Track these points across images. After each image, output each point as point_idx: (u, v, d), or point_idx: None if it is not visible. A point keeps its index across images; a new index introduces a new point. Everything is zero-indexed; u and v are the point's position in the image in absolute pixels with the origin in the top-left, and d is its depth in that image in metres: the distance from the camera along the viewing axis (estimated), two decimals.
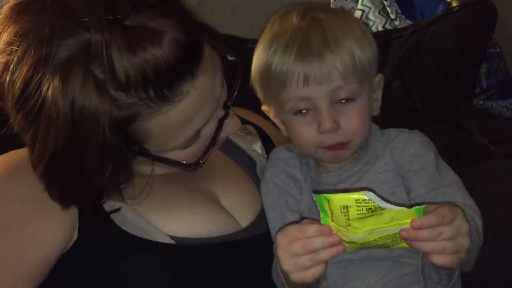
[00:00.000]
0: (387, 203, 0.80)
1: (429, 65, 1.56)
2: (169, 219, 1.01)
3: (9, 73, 0.88)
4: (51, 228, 0.96)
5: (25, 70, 0.87)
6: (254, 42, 1.06)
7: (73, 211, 0.98)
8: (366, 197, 0.79)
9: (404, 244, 0.85)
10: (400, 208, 0.81)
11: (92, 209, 0.98)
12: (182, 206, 1.04)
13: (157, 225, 1.00)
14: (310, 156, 1.08)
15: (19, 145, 1.00)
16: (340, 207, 0.81)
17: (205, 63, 0.93)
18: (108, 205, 1.00)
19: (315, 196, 0.83)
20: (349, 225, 0.82)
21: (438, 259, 0.83)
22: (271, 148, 1.19)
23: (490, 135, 1.38)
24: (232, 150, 1.20)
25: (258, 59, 1.03)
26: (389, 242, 0.84)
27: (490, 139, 1.37)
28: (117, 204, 1.00)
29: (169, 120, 0.92)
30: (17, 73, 0.87)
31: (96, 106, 0.86)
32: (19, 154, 1.02)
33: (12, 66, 0.88)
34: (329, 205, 0.82)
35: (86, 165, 0.91)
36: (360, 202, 0.80)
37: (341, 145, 1.01)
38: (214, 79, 0.96)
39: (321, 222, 0.85)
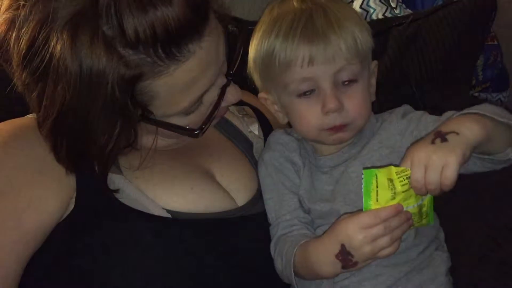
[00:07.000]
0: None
1: (428, 54, 1.56)
2: (165, 193, 1.02)
3: (15, 29, 0.88)
4: (47, 197, 0.96)
5: (32, 25, 0.87)
6: (254, 24, 1.06)
7: (71, 181, 0.98)
8: (401, 167, 0.85)
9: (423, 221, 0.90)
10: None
11: (98, 178, 0.98)
12: (179, 180, 1.04)
13: (153, 198, 1.00)
14: (312, 140, 1.08)
15: None
16: (388, 180, 0.85)
17: (211, 25, 0.93)
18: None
19: (364, 171, 0.87)
20: (394, 198, 0.86)
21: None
22: (269, 130, 1.19)
23: None
24: (228, 130, 1.21)
25: (258, 45, 1.04)
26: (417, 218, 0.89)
27: None
28: (115, 176, 1.00)
29: (175, 81, 0.92)
30: (24, 29, 0.87)
31: (104, 62, 0.86)
32: (17, 123, 1.03)
33: (19, 21, 0.87)
34: (376, 181, 0.86)
35: (94, 122, 0.91)
36: (399, 173, 0.85)
37: (344, 127, 1.02)
38: (219, 42, 0.96)
39: (364, 209, 0.88)
